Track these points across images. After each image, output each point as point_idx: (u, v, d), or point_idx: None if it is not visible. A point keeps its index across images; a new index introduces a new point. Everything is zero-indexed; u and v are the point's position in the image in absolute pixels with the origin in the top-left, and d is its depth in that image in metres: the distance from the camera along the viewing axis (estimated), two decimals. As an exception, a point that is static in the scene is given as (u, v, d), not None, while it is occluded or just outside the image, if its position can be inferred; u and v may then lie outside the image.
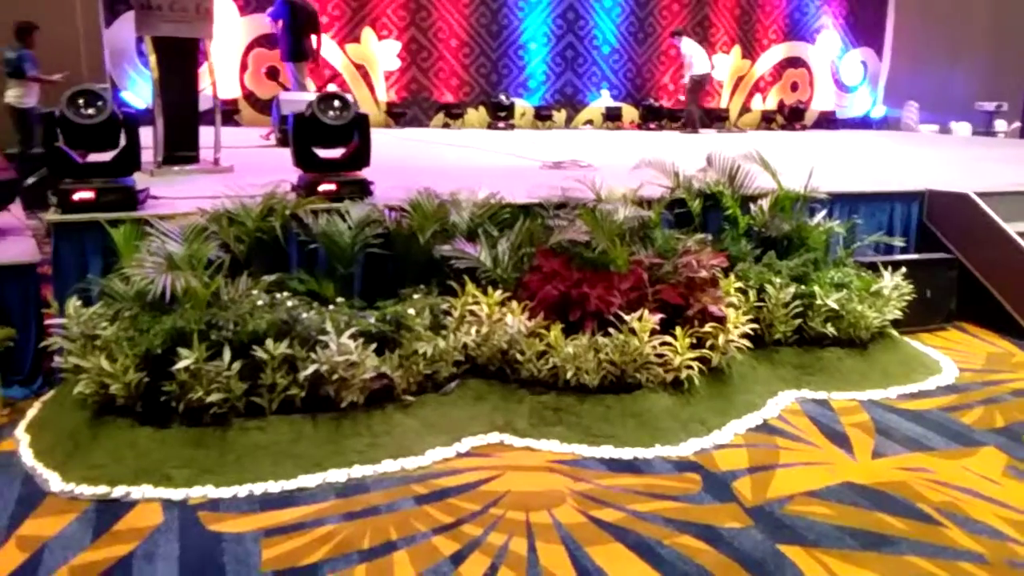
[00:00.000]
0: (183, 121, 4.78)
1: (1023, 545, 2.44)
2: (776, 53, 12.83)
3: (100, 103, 3.37)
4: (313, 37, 7.83)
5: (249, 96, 10.03)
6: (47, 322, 3.27)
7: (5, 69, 7.42)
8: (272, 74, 9.27)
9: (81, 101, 3.36)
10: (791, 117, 12.63)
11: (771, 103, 12.88)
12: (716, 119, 12.25)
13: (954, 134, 13.28)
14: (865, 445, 3.12)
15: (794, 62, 13.00)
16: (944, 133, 13.40)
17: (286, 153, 6.43)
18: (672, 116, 11.78)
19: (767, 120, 12.74)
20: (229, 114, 9.28)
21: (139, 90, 9.30)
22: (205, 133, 5.16)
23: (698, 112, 10.88)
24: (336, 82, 10.22)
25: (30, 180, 4.52)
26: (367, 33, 10.39)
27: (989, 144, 10.54)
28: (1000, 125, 13.59)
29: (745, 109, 12.75)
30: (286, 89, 7.85)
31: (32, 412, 3.22)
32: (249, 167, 5.31)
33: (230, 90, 9.72)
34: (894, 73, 13.56)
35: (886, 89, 13.63)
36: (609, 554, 2.35)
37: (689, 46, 10.75)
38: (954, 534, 2.49)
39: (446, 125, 10.88)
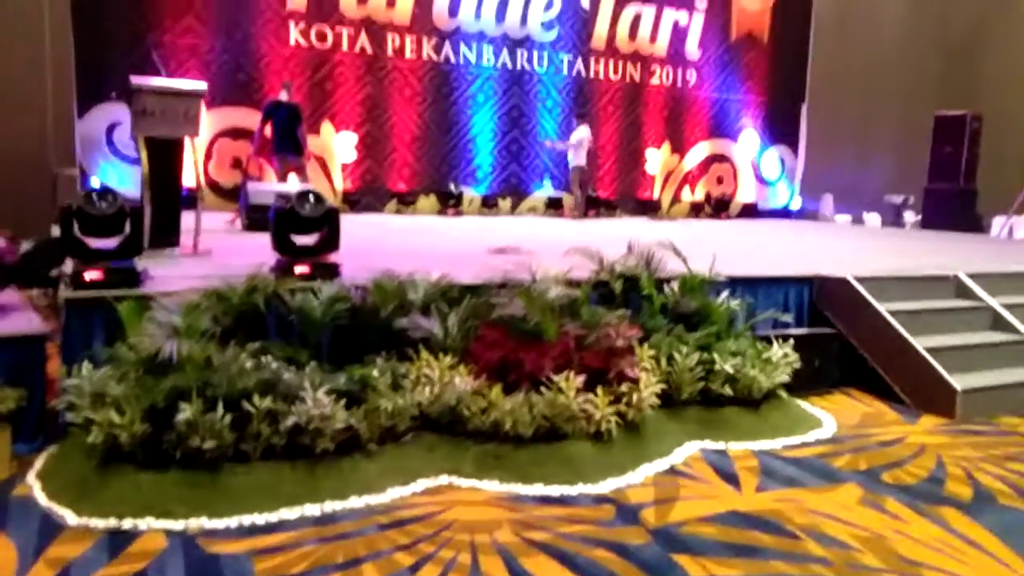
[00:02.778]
0: (168, 210, 5.37)
1: (863, 553, 3.10)
2: (702, 149, 14.04)
3: (111, 198, 3.97)
4: (298, 129, 8.99)
5: (212, 184, 10.63)
6: (61, 384, 3.75)
7: None
8: (236, 163, 10.03)
9: (95, 197, 3.95)
10: (717, 208, 13.76)
11: (699, 195, 14.01)
12: (649, 209, 13.30)
13: (866, 224, 14.57)
14: (751, 483, 3.79)
15: (719, 158, 14.21)
16: (857, 223, 14.68)
17: (253, 237, 7.13)
18: (608, 205, 12.78)
19: (696, 210, 13.84)
20: (194, 200, 9.85)
21: (108, 177, 9.84)
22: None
23: (581, 198, 11.85)
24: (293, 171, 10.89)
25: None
26: (326, 126, 11.19)
27: (891, 235, 11.72)
28: (908, 216, 14.97)
29: (675, 200, 13.84)
30: (254, 179, 8.57)
31: (39, 464, 3.67)
32: (223, 250, 5.90)
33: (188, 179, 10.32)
34: (809, 168, 14.91)
35: (802, 183, 14.94)
36: (538, 563, 2.93)
37: (581, 133, 11.67)
38: (810, 546, 3.14)
39: (398, 211, 11.62)
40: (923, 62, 16.84)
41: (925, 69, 16.85)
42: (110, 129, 9.94)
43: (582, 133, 11.69)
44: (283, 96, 9.45)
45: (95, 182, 9.82)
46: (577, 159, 11.70)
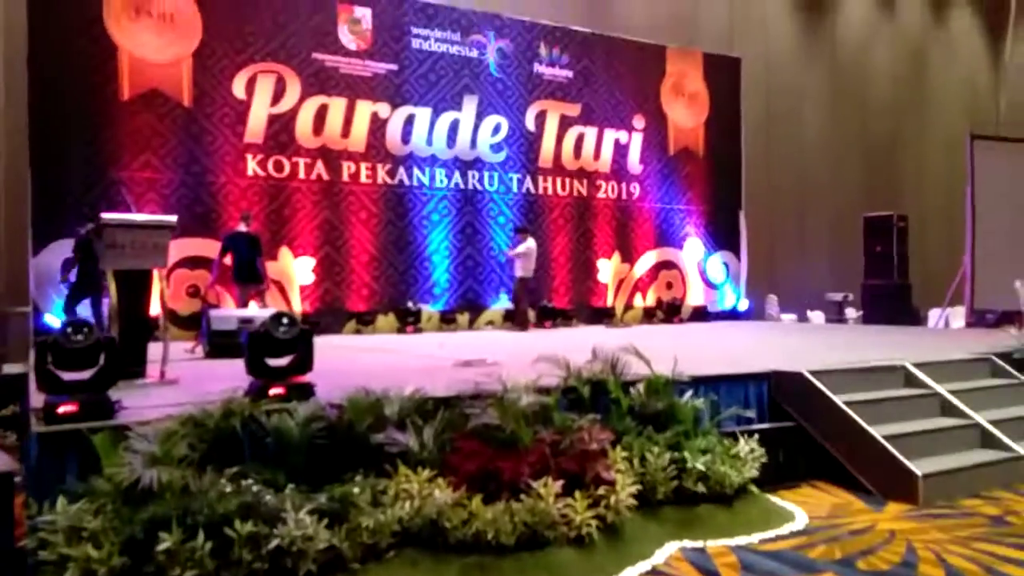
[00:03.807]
0: (135, 340, 5.40)
1: (849, 640, 3.16)
2: (651, 257, 14.59)
3: (87, 330, 4.01)
4: (258, 260, 9.24)
5: (170, 313, 10.59)
6: (30, 521, 3.66)
7: None
8: (194, 292, 10.11)
9: (70, 330, 4.00)
10: (669, 312, 14.19)
11: (651, 300, 14.45)
12: (604, 316, 13.64)
13: (810, 322, 15.13)
14: (733, 579, 3.84)
15: (667, 264, 14.77)
16: (802, 321, 15.24)
17: (216, 363, 7.12)
18: (564, 314, 13.08)
19: (648, 315, 14.25)
20: (152, 330, 9.79)
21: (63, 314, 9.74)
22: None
23: (525, 309, 12.07)
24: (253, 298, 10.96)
25: None
26: (284, 252, 11.37)
27: (836, 330, 12.19)
28: (850, 312, 15.61)
29: (628, 306, 14.24)
30: (213, 306, 8.62)
31: (6, 608, 3.53)
32: (189, 378, 5.90)
33: (153, 307, 10.29)
34: (752, 271, 15.56)
35: (747, 285, 15.54)
36: (532, 673, 2.91)
37: (529, 243, 12.03)
38: (797, 635, 3.19)
39: (358, 331, 11.69)
40: (847, 168, 18.06)
41: (849, 174, 18.06)
42: (65, 265, 9.89)
43: (528, 244, 12.05)
44: (242, 227, 9.68)
45: (50, 319, 9.71)
46: (523, 271, 12.00)
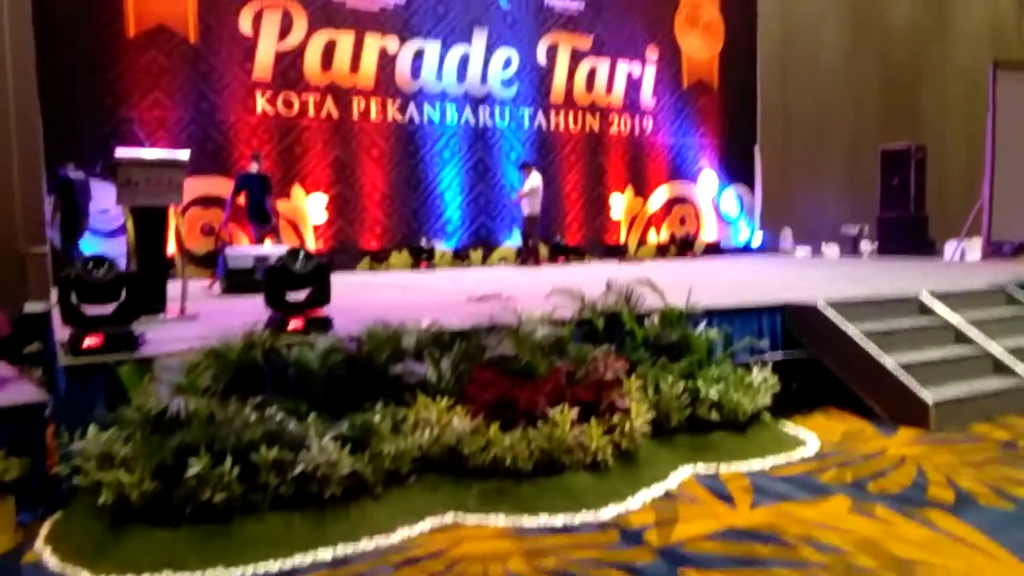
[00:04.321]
0: (154, 276, 5.46)
1: (858, 556, 3.25)
2: (664, 192, 14.48)
3: (108, 265, 4.07)
4: (267, 199, 9.27)
5: (186, 252, 10.67)
6: (62, 449, 3.78)
7: None
8: (209, 231, 10.16)
9: (91, 264, 4.05)
10: (682, 247, 14.16)
11: (664, 236, 14.40)
12: (617, 253, 13.62)
13: (825, 255, 15.04)
14: (745, 501, 3.93)
15: (680, 199, 14.67)
16: (817, 255, 15.15)
17: (234, 299, 7.21)
18: (576, 251, 13.08)
19: (662, 251, 14.22)
20: (170, 267, 9.88)
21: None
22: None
23: (536, 246, 12.04)
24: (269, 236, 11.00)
25: None
26: (297, 190, 11.36)
27: (851, 263, 12.13)
28: (865, 246, 15.49)
29: (642, 242, 14.20)
30: (228, 245, 8.68)
31: (45, 530, 3.68)
32: (209, 313, 5.98)
33: (168, 247, 10.36)
34: (767, 204, 15.42)
35: (762, 219, 15.43)
36: (551, 587, 3.02)
37: (534, 180, 11.88)
38: (807, 552, 3.29)
39: (372, 268, 11.75)
40: (865, 97, 17.65)
41: (867, 103, 17.66)
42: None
43: (533, 182, 11.96)
44: (253, 168, 9.66)
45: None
46: (530, 209, 11.94)
